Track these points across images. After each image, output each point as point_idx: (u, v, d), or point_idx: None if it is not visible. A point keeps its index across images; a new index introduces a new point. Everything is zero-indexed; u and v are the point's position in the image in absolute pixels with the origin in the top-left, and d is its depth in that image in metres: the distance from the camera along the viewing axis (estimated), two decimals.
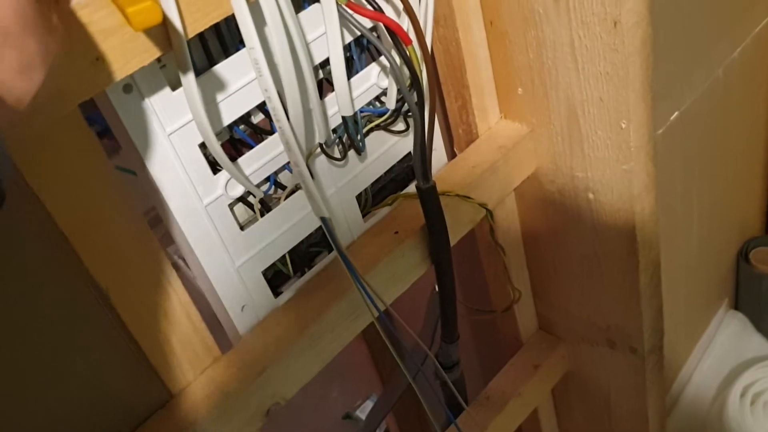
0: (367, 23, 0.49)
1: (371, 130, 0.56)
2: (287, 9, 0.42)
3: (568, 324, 0.79)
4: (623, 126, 0.57)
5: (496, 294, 0.75)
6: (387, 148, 0.58)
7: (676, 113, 0.93)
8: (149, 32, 0.36)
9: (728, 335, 1.36)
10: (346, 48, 0.51)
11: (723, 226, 1.31)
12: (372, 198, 0.60)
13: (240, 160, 0.47)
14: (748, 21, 1.07)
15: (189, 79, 0.39)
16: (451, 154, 0.68)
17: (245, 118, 0.48)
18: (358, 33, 0.49)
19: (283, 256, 0.53)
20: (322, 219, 0.47)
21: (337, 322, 0.53)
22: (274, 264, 0.53)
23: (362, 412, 1.14)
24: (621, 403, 0.82)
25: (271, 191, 0.51)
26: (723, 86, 1.04)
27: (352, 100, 0.49)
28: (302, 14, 0.46)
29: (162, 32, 0.37)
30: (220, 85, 0.44)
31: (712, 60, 1.00)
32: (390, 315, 0.57)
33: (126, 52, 0.35)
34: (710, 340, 1.35)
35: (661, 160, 0.96)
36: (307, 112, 0.47)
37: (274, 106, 0.41)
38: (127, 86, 0.39)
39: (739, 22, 1.05)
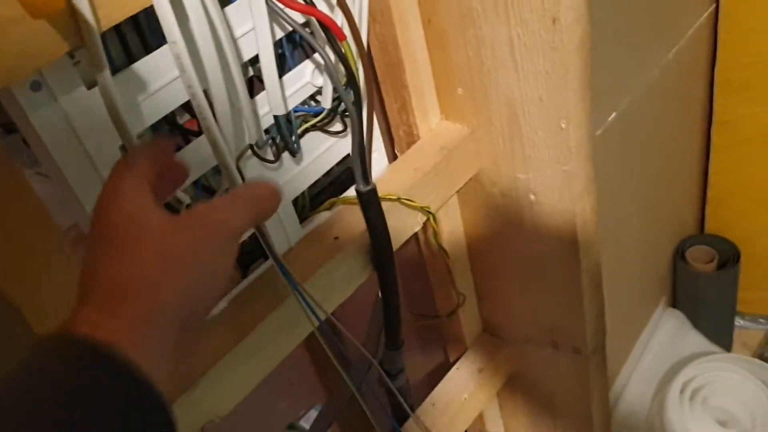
0: (300, 18, 0.46)
1: (307, 130, 0.53)
2: (211, 2, 0.39)
3: (512, 326, 0.78)
4: (563, 126, 0.57)
5: (441, 298, 0.74)
6: (324, 150, 0.56)
7: (614, 114, 0.94)
8: (57, 25, 0.33)
9: (666, 333, 1.39)
10: (278, 44, 0.49)
11: (660, 225, 1.33)
12: (310, 202, 0.58)
13: None
14: (682, 22, 1.09)
15: (104, 76, 0.36)
16: (393, 156, 0.67)
17: (170, 119, 0.45)
18: (290, 28, 0.47)
19: None
20: None
21: (275, 332, 0.51)
22: None
23: (306, 422, 1.11)
24: (565, 404, 0.82)
25: (198, 196, 0.48)
26: (659, 87, 1.06)
27: (284, 98, 0.47)
28: (229, 8, 0.43)
29: (71, 25, 0.34)
30: (140, 83, 0.41)
31: (648, 61, 1.02)
32: (332, 323, 0.55)
33: (30, 46, 0.32)
34: (649, 338, 1.37)
35: (599, 160, 0.97)
36: (236, 111, 0.45)
37: (199, 104, 0.39)
38: (35, 83, 0.36)
39: (673, 23, 1.07)
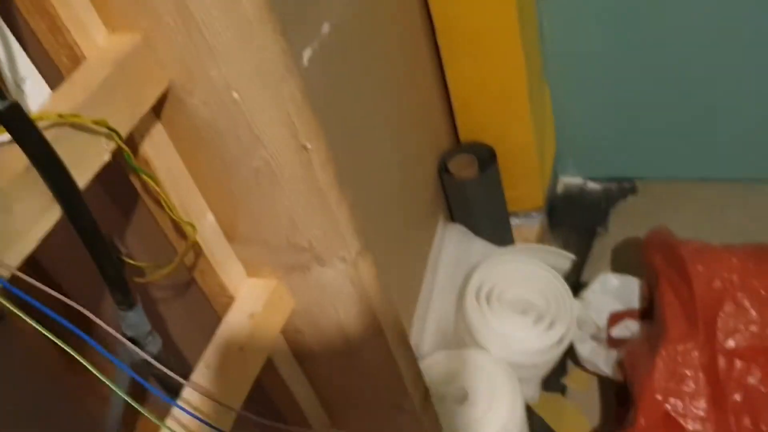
0: None
1: None
2: None
3: (271, 257, 0.71)
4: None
5: (172, 234, 0.65)
6: None
7: (326, 25, 0.91)
8: None
9: (452, 247, 1.41)
10: None
11: (418, 146, 1.35)
12: None
13: None
14: None
15: None
16: None
17: None
18: None
19: None
20: None
21: None
22: None
23: None
24: (351, 323, 0.77)
25: None
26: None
27: None
28: None
29: None
30: None
31: None
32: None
33: None
34: (437, 256, 1.39)
35: (318, 83, 0.93)
36: None
37: None
38: None
39: None
